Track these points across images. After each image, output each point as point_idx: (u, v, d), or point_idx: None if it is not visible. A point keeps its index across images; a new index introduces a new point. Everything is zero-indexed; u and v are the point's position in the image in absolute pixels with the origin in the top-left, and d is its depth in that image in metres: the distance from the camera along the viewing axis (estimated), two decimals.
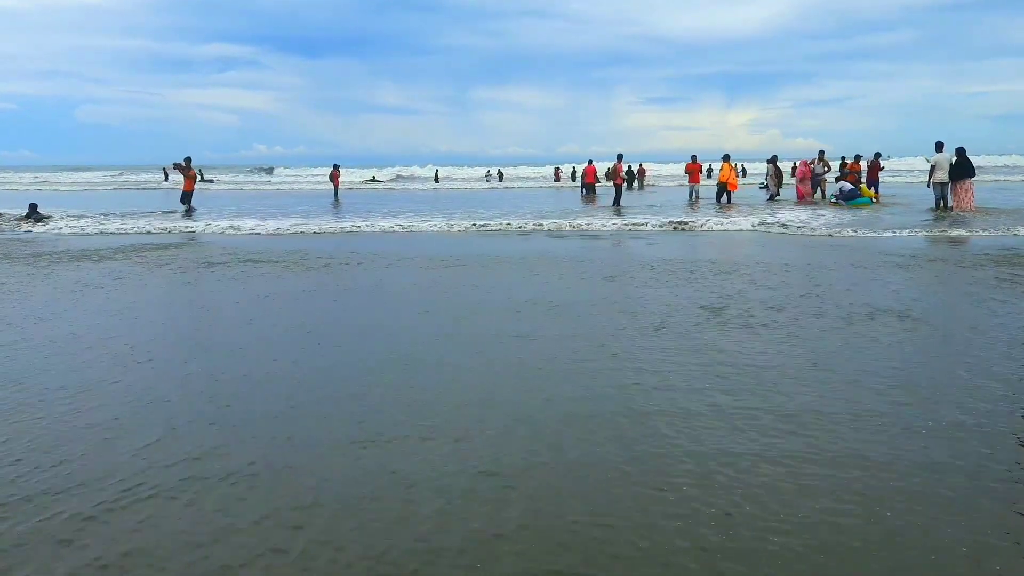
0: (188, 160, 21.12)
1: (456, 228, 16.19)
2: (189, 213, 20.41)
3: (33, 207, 18.78)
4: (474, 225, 16.40)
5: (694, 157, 24.13)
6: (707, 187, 25.73)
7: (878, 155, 24.06)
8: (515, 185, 46.53)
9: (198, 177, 21.22)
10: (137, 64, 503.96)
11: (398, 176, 59.20)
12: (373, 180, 53.58)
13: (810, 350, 5.48)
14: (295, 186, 48.10)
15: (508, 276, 9.39)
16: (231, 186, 49.37)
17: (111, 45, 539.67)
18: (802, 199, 21.75)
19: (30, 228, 17.13)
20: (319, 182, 50.58)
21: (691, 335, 5.96)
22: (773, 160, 24.52)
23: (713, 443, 3.72)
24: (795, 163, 28.16)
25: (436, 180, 52.99)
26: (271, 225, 16.85)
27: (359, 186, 45.84)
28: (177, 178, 24.23)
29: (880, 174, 23.50)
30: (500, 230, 15.80)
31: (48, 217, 18.93)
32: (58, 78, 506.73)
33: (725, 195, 22.15)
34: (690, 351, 5.46)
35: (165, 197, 31.01)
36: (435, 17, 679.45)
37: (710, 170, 46.77)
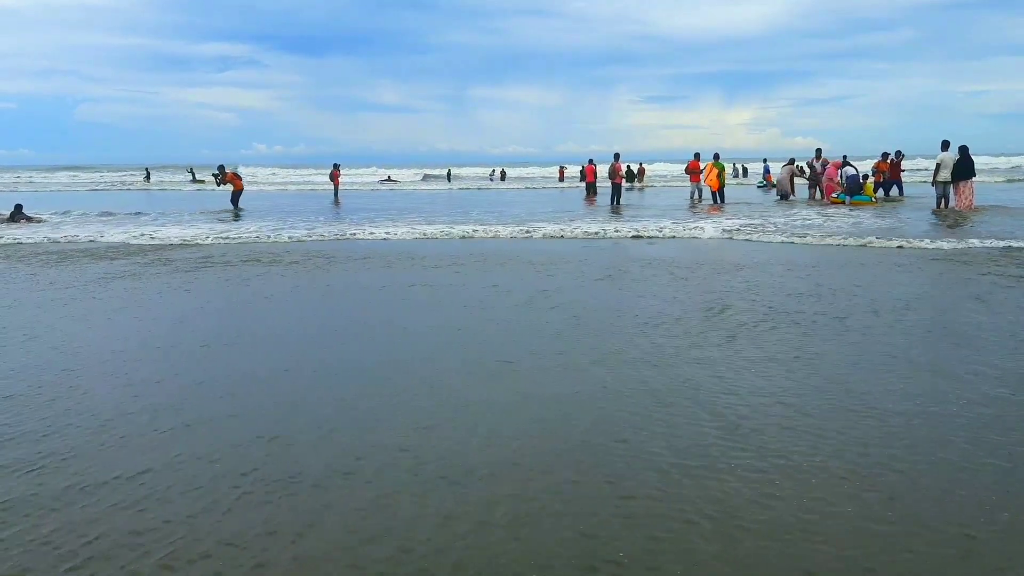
0: (222, 168, 21.73)
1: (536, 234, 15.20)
2: (238, 214, 20.56)
3: (18, 208, 18.45)
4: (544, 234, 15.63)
5: (697, 155, 23.55)
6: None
7: (900, 153, 23.20)
8: (520, 185, 45.82)
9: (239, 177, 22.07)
10: (136, 63, 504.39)
11: (426, 176, 57.61)
12: (389, 180, 52.43)
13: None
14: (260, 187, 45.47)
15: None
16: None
17: (110, 43, 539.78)
18: (829, 196, 21.05)
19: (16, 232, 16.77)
20: (275, 182, 49.33)
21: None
22: (791, 162, 24.14)
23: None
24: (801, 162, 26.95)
25: (449, 179, 52.47)
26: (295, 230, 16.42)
27: (378, 187, 43.94)
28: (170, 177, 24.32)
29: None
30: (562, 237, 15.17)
31: (40, 220, 18.64)
32: (57, 77, 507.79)
33: (715, 196, 21.77)
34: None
35: (152, 198, 30.67)
36: (433, 15, 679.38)
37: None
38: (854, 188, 19.97)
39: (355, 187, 41.25)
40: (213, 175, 21.60)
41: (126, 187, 47.90)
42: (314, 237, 14.61)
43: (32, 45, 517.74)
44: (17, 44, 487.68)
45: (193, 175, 51.12)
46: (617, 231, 14.58)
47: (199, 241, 14.18)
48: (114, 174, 66.91)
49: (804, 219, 16.21)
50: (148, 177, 55.08)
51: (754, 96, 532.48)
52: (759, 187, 33.00)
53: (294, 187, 44.89)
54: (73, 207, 23.47)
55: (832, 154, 23.26)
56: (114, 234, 15.41)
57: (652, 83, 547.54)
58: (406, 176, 57.72)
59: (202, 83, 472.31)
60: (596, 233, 14.47)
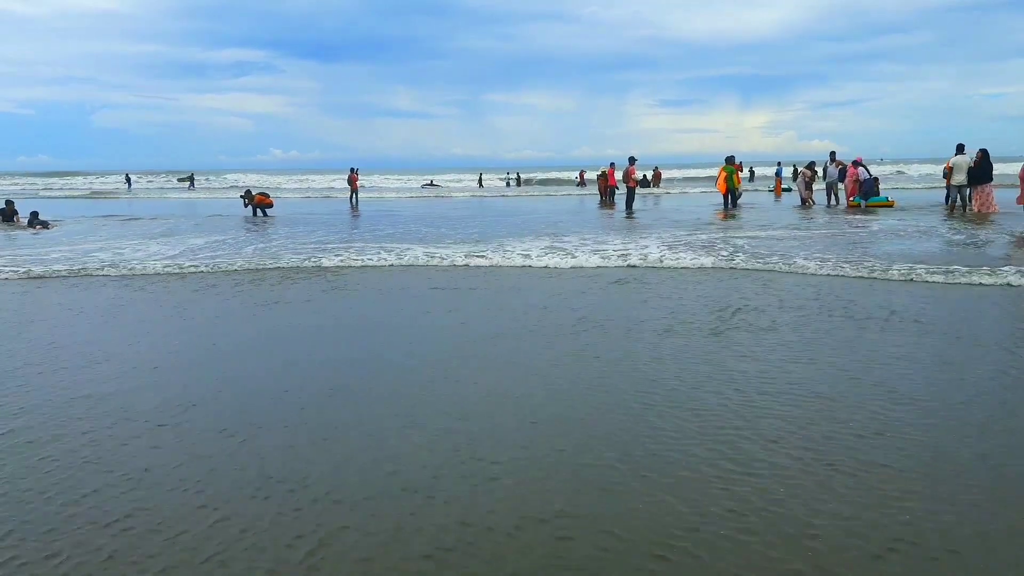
0: (249, 192, 22.68)
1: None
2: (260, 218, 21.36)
3: (35, 214, 18.70)
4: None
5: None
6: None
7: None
8: (542, 192, 42.40)
9: (268, 195, 23.12)
10: (153, 69, 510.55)
11: (509, 182, 55.30)
12: (431, 184, 50.91)
13: None
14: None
15: None
16: (200, 194, 43.72)
17: (127, 50, 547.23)
18: (850, 198, 20.59)
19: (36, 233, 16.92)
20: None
21: None
22: (811, 166, 23.60)
23: None
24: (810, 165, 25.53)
25: (480, 184, 52.21)
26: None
27: (421, 194, 41.42)
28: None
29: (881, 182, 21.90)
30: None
31: (48, 224, 18.61)
32: (75, 84, 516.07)
33: (725, 200, 21.50)
34: None
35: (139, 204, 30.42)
36: (448, 21, 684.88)
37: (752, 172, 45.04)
38: (869, 191, 19.95)
39: (405, 194, 40.15)
40: (241, 197, 22.42)
41: (95, 195, 43.47)
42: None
43: (50, 53, 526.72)
44: (36, 52, 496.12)
45: (190, 181, 50.19)
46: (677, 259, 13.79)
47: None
48: (65, 179, 65.37)
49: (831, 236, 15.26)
50: (129, 184, 53.75)
51: (770, 99, 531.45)
52: (769, 191, 32.59)
53: (313, 194, 43.24)
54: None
55: (847, 156, 22.59)
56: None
57: (667, 87, 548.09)
58: (446, 180, 56.48)
59: (218, 89, 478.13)
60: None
